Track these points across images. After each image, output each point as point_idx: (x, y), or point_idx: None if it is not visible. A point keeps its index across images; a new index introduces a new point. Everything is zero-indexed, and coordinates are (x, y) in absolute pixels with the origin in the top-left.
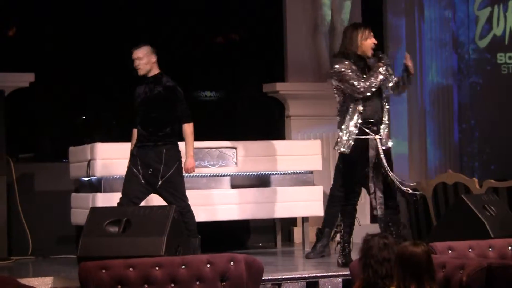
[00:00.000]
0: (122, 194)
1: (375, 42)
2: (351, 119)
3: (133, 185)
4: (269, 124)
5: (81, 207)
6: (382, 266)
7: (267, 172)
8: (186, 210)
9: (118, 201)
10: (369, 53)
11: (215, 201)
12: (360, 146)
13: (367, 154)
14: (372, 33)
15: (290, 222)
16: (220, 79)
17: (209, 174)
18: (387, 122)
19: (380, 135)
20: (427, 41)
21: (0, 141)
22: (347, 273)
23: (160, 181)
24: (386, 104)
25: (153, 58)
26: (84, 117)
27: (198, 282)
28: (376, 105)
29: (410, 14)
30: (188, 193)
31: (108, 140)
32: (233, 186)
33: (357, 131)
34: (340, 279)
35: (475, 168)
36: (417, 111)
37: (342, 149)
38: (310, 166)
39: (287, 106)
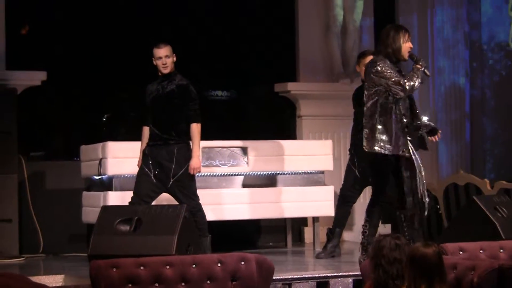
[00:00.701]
0: (134, 193)
1: (411, 46)
2: (397, 121)
3: (145, 184)
4: (280, 123)
5: (92, 205)
6: (393, 267)
7: (278, 172)
8: (196, 210)
9: (130, 199)
10: (406, 56)
11: (226, 201)
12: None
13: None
14: (410, 37)
15: (300, 222)
16: (232, 79)
17: (220, 174)
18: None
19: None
20: (439, 40)
21: (12, 139)
22: (357, 273)
23: (172, 180)
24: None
25: (175, 57)
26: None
27: (208, 281)
28: (407, 106)
29: (422, 13)
30: (199, 192)
31: (121, 139)
32: (244, 185)
33: (405, 132)
34: (350, 279)
35: (486, 169)
36: (429, 111)
37: (386, 151)
38: (321, 166)
39: (298, 106)
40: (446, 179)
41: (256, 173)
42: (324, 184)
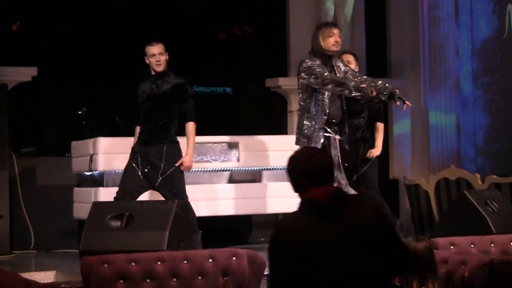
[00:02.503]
0: (119, 188)
1: (337, 40)
2: (317, 117)
3: (131, 180)
4: (271, 119)
5: (83, 201)
6: None
7: (269, 167)
8: (186, 209)
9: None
10: (332, 49)
11: (217, 196)
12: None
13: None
14: (334, 31)
15: None
16: (223, 74)
17: (211, 169)
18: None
19: (342, 137)
20: (431, 32)
21: (3, 135)
22: None
23: (160, 179)
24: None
25: (167, 56)
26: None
27: (200, 277)
28: (337, 106)
29: (414, 6)
30: (190, 188)
31: (111, 135)
32: (235, 181)
33: (323, 129)
34: None
35: (477, 164)
36: (420, 106)
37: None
38: None
39: (289, 101)
40: (437, 174)
41: (247, 168)
42: None
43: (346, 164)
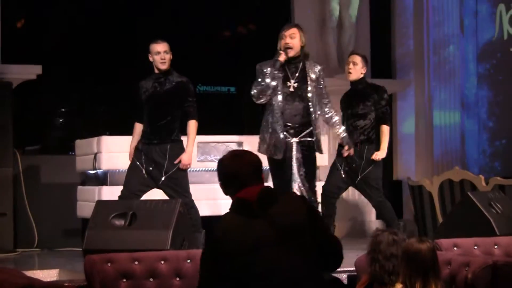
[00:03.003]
0: (124, 187)
1: (286, 42)
2: (266, 124)
3: (136, 178)
4: None
5: (87, 200)
6: (390, 262)
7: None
8: (189, 206)
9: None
10: (288, 53)
11: (220, 196)
12: (283, 147)
13: (289, 155)
14: (286, 33)
15: None
16: (227, 74)
17: (214, 169)
18: (315, 129)
19: (298, 139)
20: (435, 33)
21: (7, 133)
22: (352, 269)
23: (164, 177)
24: (315, 111)
25: (171, 55)
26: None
27: None
28: (296, 108)
29: (418, 6)
30: (193, 187)
31: (116, 133)
32: None
33: (280, 132)
34: (345, 275)
35: (481, 165)
36: (424, 108)
37: (262, 152)
38: (317, 161)
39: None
40: (441, 175)
41: None
42: (319, 180)
43: (346, 168)
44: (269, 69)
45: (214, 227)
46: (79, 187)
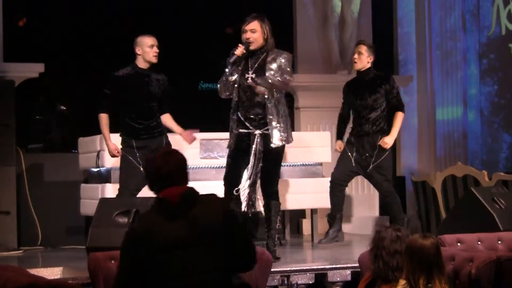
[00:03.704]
0: (123, 186)
1: (247, 37)
2: (233, 113)
3: (134, 177)
4: None
5: (90, 197)
6: (393, 258)
7: None
8: None
9: (117, 192)
10: (249, 47)
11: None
12: (242, 139)
13: (250, 148)
14: (247, 27)
15: (299, 214)
16: None
17: (218, 166)
18: (273, 119)
19: (260, 131)
20: (436, 27)
21: (10, 131)
22: (355, 265)
23: None
24: (273, 102)
25: None
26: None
27: None
28: (253, 100)
29: (420, 2)
30: (197, 184)
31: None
32: None
33: (238, 125)
34: (349, 271)
35: (484, 161)
36: (427, 103)
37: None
38: (319, 158)
39: (296, 98)
40: (444, 171)
41: None
42: (322, 176)
43: (357, 157)
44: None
45: (133, 224)
46: (83, 185)
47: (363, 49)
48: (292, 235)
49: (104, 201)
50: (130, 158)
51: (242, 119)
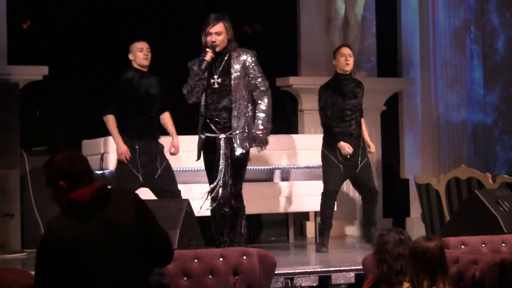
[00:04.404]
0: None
1: (213, 40)
2: (201, 117)
3: (132, 183)
4: (282, 118)
5: None
6: (397, 262)
7: (279, 166)
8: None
9: None
10: (215, 50)
11: None
12: (209, 143)
13: (217, 151)
14: (212, 30)
15: (302, 216)
16: None
17: None
18: (238, 124)
19: (226, 135)
20: (440, 32)
21: (14, 134)
22: (359, 267)
23: (159, 171)
24: (239, 107)
25: None
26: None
27: (211, 276)
28: (220, 104)
29: (424, 5)
30: (201, 187)
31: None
32: (246, 180)
33: (204, 130)
34: (352, 274)
35: (488, 163)
36: (430, 105)
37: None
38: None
39: (300, 100)
40: (448, 174)
41: (257, 167)
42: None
43: (343, 160)
44: (194, 67)
45: (47, 227)
46: None
47: (351, 51)
48: (296, 237)
49: None
50: (129, 164)
51: (209, 122)
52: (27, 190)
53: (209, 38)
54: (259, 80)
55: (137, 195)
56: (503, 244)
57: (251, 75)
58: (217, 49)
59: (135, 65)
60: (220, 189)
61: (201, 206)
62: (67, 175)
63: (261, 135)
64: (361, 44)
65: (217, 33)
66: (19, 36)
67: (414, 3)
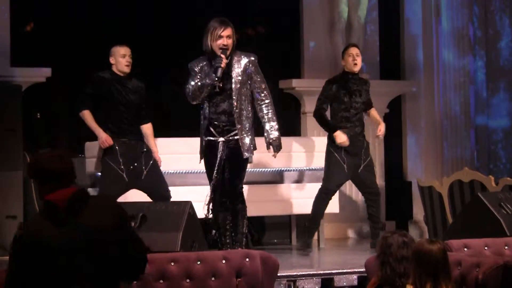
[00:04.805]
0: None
1: (224, 44)
2: (202, 120)
3: (115, 184)
4: (285, 120)
5: None
6: (401, 264)
7: (282, 169)
8: (169, 195)
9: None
10: (219, 54)
11: None
12: (211, 146)
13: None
14: (223, 33)
15: (305, 219)
16: None
17: None
18: (240, 126)
19: (225, 138)
20: (443, 34)
21: (17, 136)
22: (362, 270)
23: (145, 172)
24: (240, 111)
25: None
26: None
27: (213, 278)
28: (221, 107)
29: (427, 7)
30: (204, 189)
31: None
32: (249, 182)
33: (205, 133)
34: (355, 276)
35: (491, 166)
36: (433, 108)
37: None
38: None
39: (303, 103)
40: (450, 176)
41: (260, 170)
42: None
43: (347, 159)
44: (197, 69)
45: (23, 228)
46: (89, 190)
47: (359, 51)
48: (299, 240)
49: None
50: (113, 164)
51: (209, 125)
52: (30, 192)
53: (220, 42)
54: (263, 86)
55: (116, 201)
56: (506, 247)
57: (254, 80)
58: (227, 53)
59: (114, 70)
60: (216, 192)
61: (206, 210)
62: (44, 173)
63: (277, 142)
64: (364, 47)
65: (228, 37)
66: (22, 38)
67: (417, 5)
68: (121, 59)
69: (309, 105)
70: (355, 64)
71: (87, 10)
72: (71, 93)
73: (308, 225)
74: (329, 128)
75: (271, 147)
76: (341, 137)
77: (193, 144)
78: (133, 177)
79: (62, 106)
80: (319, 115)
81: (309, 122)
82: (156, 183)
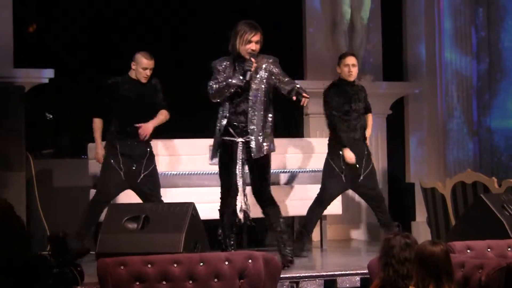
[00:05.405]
0: (103, 192)
1: (253, 49)
2: (221, 119)
3: (113, 183)
4: (288, 122)
5: None
6: (403, 266)
7: (285, 170)
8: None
9: (98, 198)
10: (247, 57)
11: None
12: (226, 146)
13: (234, 155)
14: (253, 39)
15: None
16: None
17: None
18: (255, 128)
19: (244, 139)
20: (446, 35)
21: (20, 137)
22: (365, 271)
23: (142, 175)
24: (258, 111)
25: None
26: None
27: (216, 280)
28: (240, 107)
29: (430, 9)
30: (206, 190)
31: None
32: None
33: (222, 132)
34: (358, 278)
35: (494, 168)
36: (436, 109)
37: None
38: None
39: (306, 104)
40: (453, 178)
41: None
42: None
43: (345, 169)
44: (220, 68)
45: None
46: (92, 191)
47: (356, 61)
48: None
49: (113, 207)
50: (113, 162)
51: (227, 126)
52: (33, 193)
53: (248, 46)
54: (286, 78)
55: (10, 207)
56: (509, 249)
57: (276, 73)
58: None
59: (132, 75)
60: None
61: (241, 214)
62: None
63: (301, 89)
64: (367, 48)
65: (257, 42)
66: (25, 39)
67: (419, 6)
68: (142, 71)
69: (311, 107)
70: (350, 74)
71: (90, 12)
72: (74, 94)
73: (300, 230)
74: (342, 144)
75: (294, 93)
76: (350, 156)
77: (197, 145)
78: (130, 177)
79: (64, 107)
80: (334, 127)
81: (312, 123)
82: (148, 189)
